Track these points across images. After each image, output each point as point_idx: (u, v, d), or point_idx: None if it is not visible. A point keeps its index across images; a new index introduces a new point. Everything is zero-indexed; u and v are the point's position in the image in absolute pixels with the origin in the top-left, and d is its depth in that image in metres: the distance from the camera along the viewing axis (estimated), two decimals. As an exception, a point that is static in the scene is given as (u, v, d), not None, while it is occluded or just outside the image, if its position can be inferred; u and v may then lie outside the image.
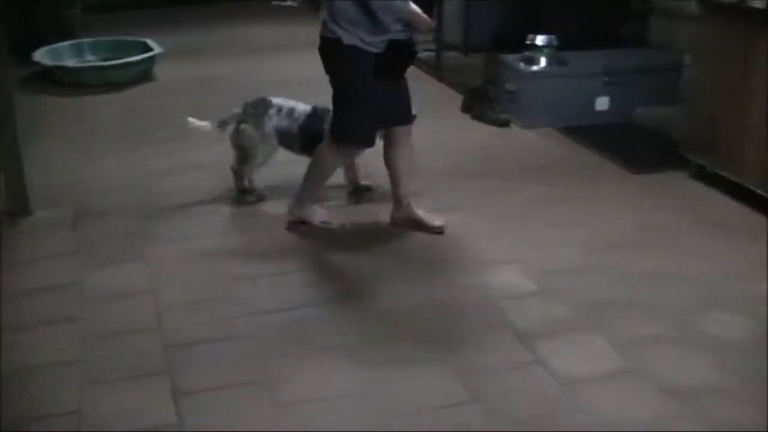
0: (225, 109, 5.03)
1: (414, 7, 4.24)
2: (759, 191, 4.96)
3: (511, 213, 4.99)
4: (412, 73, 4.62)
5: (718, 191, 5.29)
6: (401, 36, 4.31)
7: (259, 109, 4.91)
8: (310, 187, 4.67)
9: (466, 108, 6.94)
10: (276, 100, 4.97)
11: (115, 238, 4.66)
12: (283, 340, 3.66)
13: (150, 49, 8.17)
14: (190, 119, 4.84)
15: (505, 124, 6.54)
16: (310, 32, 9.66)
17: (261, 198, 5.05)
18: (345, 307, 3.95)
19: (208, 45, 9.44)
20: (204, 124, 4.96)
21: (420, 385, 3.37)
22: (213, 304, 3.96)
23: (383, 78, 4.33)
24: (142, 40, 8.46)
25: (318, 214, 4.74)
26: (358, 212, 5.02)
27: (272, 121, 4.89)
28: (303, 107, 4.98)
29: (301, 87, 7.46)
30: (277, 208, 4.92)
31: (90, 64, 8.24)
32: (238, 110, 4.96)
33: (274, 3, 11.13)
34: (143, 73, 8.00)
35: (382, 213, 4.80)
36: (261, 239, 4.64)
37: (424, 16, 4.31)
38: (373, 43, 4.24)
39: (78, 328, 3.75)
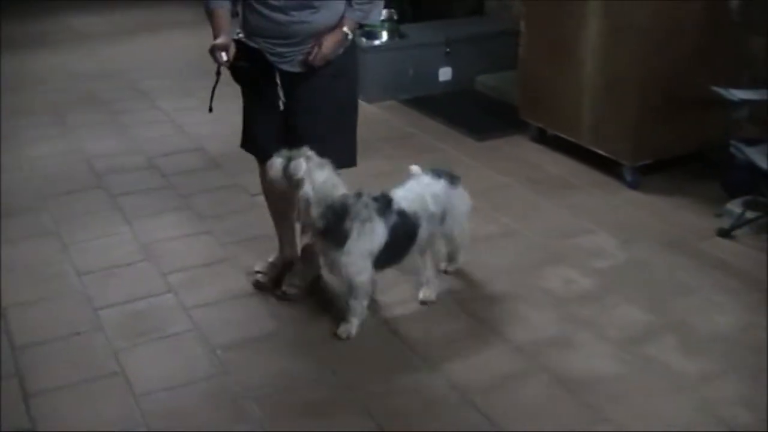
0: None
1: (218, 17, 3.49)
2: (594, 149, 5.15)
3: (353, 187, 4.97)
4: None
5: (557, 152, 5.48)
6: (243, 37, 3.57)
7: None
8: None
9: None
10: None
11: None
12: (130, 331, 3.59)
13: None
14: (414, 167, 3.88)
15: (350, 99, 6.55)
16: (147, 17, 9.77)
17: None
18: (189, 293, 3.89)
19: (38, 36, 9.09)
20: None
21: (273, 364, 3.38)
22: (56, 301, 3.85)
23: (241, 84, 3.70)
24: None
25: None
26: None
27: None
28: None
29: (140, 72, 7.42)
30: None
31: None
32: None
33: None
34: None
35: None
36: (105, 235, 4.52)
37: (217, 39, 3.44)
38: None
39: None
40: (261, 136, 3.72)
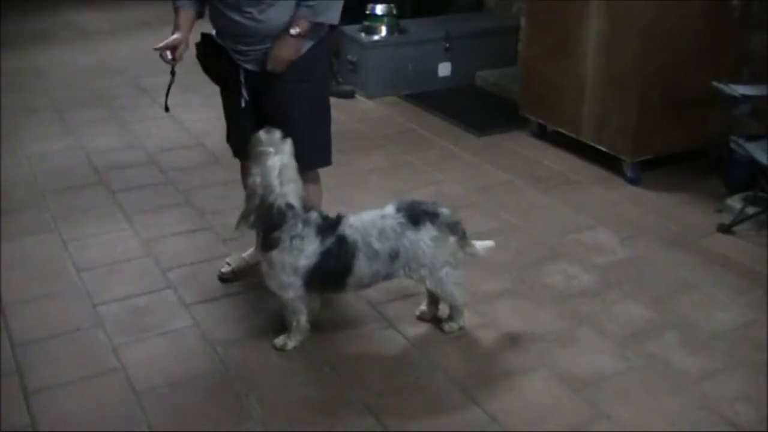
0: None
1: (179, 16, 3.56)
2: (595, 145, 5.14)
3: (353, 182, 5.02)
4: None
5: (558, 148, 5.48)
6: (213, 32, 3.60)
7: None
8: None
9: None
10: None
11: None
12: (130, 327, 3.59)
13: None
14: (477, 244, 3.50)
15: (349, 95, 6.55)
16: (147, 13, 9.74)
17: None
18: (190, 289, 3.88)
19: (38, 32, 9.06)
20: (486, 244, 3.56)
21: (274, 361, 3.37)
22: (56, 298, 3.84)
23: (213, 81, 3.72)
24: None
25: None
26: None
27: None
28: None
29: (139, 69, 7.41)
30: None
31: None
32: None
33: None
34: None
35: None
36: (105, 231, 4.50)
37: (171, 35, 3.51)
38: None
39: None
40: (235, 134, 3.72)
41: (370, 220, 3.33)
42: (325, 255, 3.26)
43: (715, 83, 4.44)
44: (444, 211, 3.37)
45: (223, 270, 3.94)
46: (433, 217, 3.33)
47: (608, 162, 5.09)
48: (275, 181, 3.18)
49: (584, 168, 5.19)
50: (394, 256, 3.30)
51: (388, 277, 3.39)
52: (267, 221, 3.22)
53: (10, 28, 8.95)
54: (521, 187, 4.98)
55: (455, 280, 3.41)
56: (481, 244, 3.49)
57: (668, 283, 3.91)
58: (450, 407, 3.09)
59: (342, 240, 3.27)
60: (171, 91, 3.66)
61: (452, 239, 3.38)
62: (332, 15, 3.45)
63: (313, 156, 3.64)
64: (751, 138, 4.38)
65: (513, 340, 3.48)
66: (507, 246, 4.22)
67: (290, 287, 3.31)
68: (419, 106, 6.41)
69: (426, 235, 3.30)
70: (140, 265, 4.11)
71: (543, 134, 5.66)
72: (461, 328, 3.52)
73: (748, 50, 5.11)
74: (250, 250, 3.94)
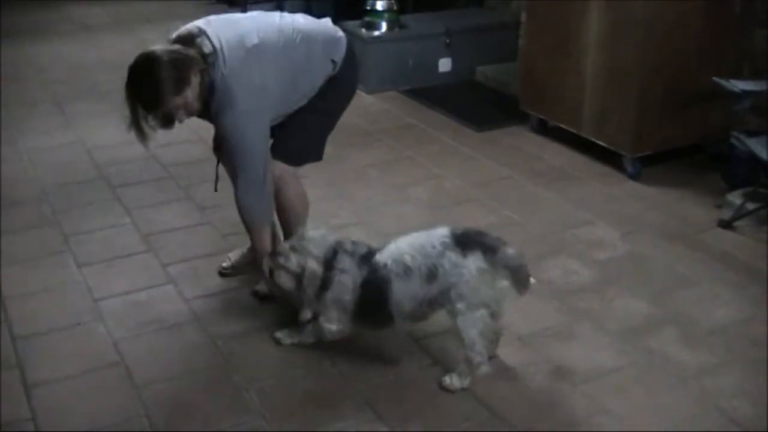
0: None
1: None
2: (595, 140, 5.15)
3: (352, 177, 5.03)
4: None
5: (558, 143, 5.48)
6: None
7: None
8: None
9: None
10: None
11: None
12: (131, 322, 3.59)
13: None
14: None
15: (350, 90, 6.54)
16: (149, 8, 9.74)
17: None
18: (190, 284, 3.89)
19: (39, 26, 9.05)
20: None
21: (273, 355, 3.37)
22: (57, 292, 3.85)
23: None
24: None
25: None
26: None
27: None
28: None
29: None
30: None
31: None
32: None
33: None
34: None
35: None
36: (106, 226, 4.50)
37: None
38: None
39: None
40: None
41: (410, 239, 3.12)
42: (363, 287, 3.12)
43: (715, 79, 4.45)
44: (509, 251, 3.05)
45: (223, 265, 3.96)
46: (488, 250, 3.01)
47: (608, 157, 5.09)
48: (326, 242, 3.21)
49: (584, 163, 5.20)
50: (431, 276, 3.01)
51: (430, 304, 3.09)
52: (325, 264, 3.17)
53: (11, 21, 8.93)
54: (521, 182, 4.98)
55: (486, 331, 3.07)
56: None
57: (668, 279, 3.91)
58: (448, 400, 3.09)
59: (375, 267, 3.09)
60: None
61: (504, 284, 3.06)
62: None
63: (305, 153, 3.68)
64: (751, 134, 4.39)
65: (512, 334, 3.47)
66: (507, 240, 4.21)
67: (338, 322, 3.23)
68: (419, 101, 6.41)
69: (472, 264, 2.98)
70: (141, 259, 4.12)
71: (543, 129, 5.66)
72: (463, 390, 3.14)
73: (748, 46, 5.11)
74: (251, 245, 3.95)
